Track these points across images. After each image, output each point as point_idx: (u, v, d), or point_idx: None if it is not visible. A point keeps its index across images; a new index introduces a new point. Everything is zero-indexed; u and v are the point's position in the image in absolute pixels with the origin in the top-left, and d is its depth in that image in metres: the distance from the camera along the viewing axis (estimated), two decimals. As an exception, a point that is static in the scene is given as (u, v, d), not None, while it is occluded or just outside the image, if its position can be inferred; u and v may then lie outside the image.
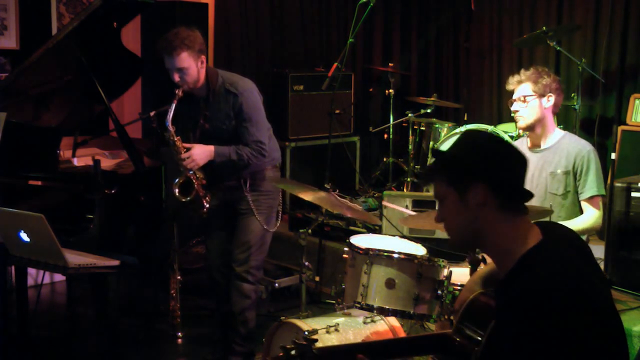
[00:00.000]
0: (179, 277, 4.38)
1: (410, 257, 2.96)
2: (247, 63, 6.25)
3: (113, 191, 3.54)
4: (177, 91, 3.61)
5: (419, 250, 3.27)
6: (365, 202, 5.68)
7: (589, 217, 3.44)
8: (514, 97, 3.49)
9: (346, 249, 3.14)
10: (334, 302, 3.15)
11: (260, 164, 3.78)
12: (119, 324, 3.49)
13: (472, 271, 2.72)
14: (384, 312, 2.98)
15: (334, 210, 3.41)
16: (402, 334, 3.20)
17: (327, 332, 3.02)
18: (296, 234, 3.43)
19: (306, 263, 3.36)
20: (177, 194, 3.67)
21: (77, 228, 3.47)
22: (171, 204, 3.98)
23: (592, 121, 5.51)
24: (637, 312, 3.67)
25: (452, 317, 2.76)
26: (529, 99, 3.43)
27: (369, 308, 2.96)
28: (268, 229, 3.85)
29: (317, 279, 4.72)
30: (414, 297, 2.90)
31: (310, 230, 3.42)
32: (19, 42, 5.18)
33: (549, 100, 3.44)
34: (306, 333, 2.98)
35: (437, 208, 1.94)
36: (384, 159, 6.19)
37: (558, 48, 5.29)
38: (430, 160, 2.02)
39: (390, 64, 6.45)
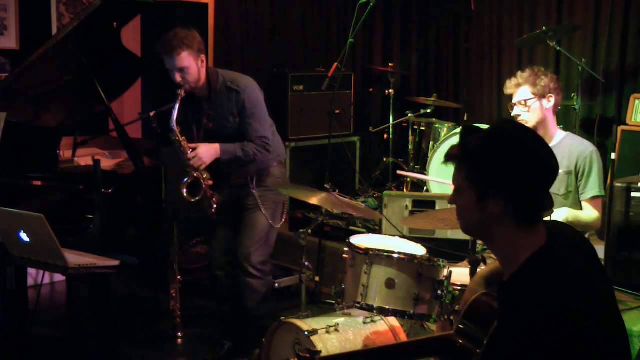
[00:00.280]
0: (179, 277, 4.38)
1: (410, 257, 2.96)
2: (247, 63, 6.25)
3: (111, 191, 3.53)
4: (179, 91, 3.61)
5: (419, 250, 3.28)
6: (365, 202, 5.68)
7: (589, 216, 3.43)
8: (514, 100, 3.45)
9: (346, 249, 3.14)
10: (334, 302, 3.14)
11: (266, 160, 3.79)
12: (119, 324, 3.49)
13: (472, 271, 2.73)
14: (384, 312, 2.97)
15: (335, 209, 3.41)
16: (402, 334, 3.21)
17: (327, 332, 3.03)
18: (296, 234, 3.42)
19: (306, 263, 3.36)
20: (185, 195, 3.66)
21: (77, 228, 3.47)
22: (172, 204, 3.97)
23: (592, 121, 5.51)
24: (637, 312, 3.67)
25: (452, 317, 2.76)
26: (530, 102, 3.39)
27: (369, 308, 2.96)
28: (274, 224, 3.86)
29: (317, 279, 4.72)
30: (413, 297, 2.90)
31: (310, 230, 3.42)
32: (19, 42, 5.18)
33: (550, 101, 3.41)
34: (306, 333, 2.99)
35: (452, 190, 1.86)
36: (384, 159, 6.18)
37: (558, 48, 5.29)
38: (459, 137, 1.88)
39: (390, 64, 6.44)
